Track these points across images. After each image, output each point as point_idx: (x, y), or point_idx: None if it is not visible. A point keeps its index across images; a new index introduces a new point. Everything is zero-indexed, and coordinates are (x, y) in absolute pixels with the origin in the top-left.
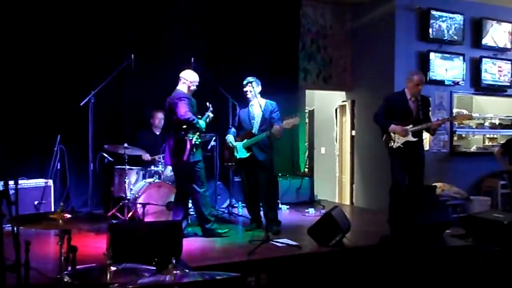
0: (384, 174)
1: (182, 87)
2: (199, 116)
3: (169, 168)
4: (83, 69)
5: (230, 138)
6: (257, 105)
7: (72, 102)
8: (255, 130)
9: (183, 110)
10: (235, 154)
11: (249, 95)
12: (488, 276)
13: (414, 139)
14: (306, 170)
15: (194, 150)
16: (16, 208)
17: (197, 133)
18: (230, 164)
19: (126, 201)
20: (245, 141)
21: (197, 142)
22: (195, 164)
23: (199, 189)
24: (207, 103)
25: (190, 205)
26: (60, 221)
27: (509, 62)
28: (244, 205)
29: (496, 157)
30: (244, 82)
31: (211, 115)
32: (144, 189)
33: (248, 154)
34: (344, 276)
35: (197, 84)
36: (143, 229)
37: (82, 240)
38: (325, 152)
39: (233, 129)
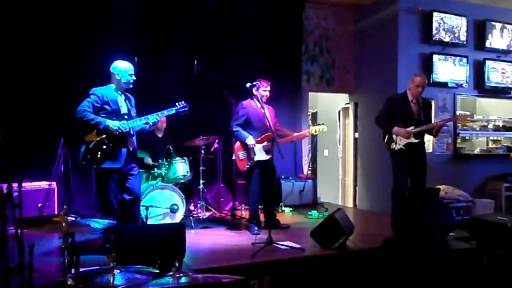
0: (387, 176)
1: (112, 81)
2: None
3: (173, 170)
4: (87, 71)
5: (252, 140)
6: (268, 108)
7: (75, 104)
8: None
9: (79, 107)
10: (253, 156)
11: (266, 97)
12: (492, 279)
13: (416, 141)
14: (309, 172)
15: (98, 155)
16: (19, 211)
17: (103, 136)
18: (248, 166)
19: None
20: (265, 143)
21: (103, 147)
22: (101, 173)
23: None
24: (180, 103)
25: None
26: (64, 224)
27: None
28: (247, 207)
29: None
30: (266, 84)
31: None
32: (147, 192)
33: (268, 157)
34: (348, 279)
35: (130, 73)
36: (146, 232)
37: (86, 243)
38: (328, 154)
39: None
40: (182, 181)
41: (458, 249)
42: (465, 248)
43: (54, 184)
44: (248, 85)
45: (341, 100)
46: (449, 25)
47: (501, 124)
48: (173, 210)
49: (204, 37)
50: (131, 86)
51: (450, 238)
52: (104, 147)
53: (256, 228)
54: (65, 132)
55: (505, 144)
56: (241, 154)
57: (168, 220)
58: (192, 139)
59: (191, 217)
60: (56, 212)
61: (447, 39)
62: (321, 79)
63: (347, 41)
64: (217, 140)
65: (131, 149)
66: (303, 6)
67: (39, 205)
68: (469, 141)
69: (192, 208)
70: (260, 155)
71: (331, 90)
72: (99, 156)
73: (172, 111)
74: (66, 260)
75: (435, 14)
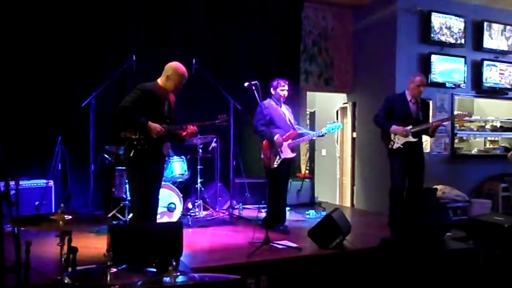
0: (385, 176)
1: (160, 79)
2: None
3: (170, 169)
4: (85, 70)
5: (279, 137)
6: (285, 107)
7: (74, 102)
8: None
9: (123, 101)
10: (280, 154)
11: (284, 97)
12: (489, 279)
13: (414, 140)
14: (307, 172)
15: (131, 154)
16: (16, 209)
17: (141, 136)
18: (274, 166)
19: (127, 202)
20: (289, 141)
21: (138, 147)
22: (129, 173)
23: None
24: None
25: None
26: (61, 222)
27: (511, 64)
28: (249, 207)
29: (510, 160)
30: (284, 83)
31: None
32: None
33: (294, 155)
34: (345, 279)
35: (183, 83)
36: (143, 231)
37: (83, 241)
38: (326, 154)
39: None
40: (180, 180)
41: (455, 249)
42: (462, 248)
43: (51, 182)
44: (246, 84)
45: (339, 99)
46: (448, 25)
47: (498, 124)
48: (170, 209)
49: (203, 36)
50: (176, 92)
51: (447, 238)
52: (139, 147)
53: (281, 226)
54: (62, 130)
55: (503, 145)
56: (269, 152)
57: (165, 219)
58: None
59: (188, 216)
60: (53, 210)
61: (445, 39)
62: (319, 78)
63: (346, 40)
64: (214, 139)
65: (164, 153)
66: (302, 5)
67: (36, 203)
68: (466, 141)
69: (189, 207)
70: (287, 152)
71: (330, 90)
72: (131, 154)
73: (214, 123)
74: (63, 259)
75: (433, 14)
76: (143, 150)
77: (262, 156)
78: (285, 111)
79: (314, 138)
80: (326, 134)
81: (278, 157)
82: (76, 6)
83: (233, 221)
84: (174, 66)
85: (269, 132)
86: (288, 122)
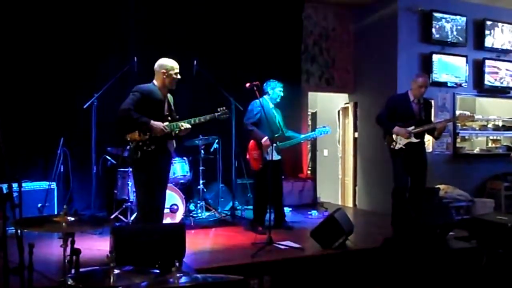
0: (387, 176)
1: (156, 79)
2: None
3: (172, 170)
4: (86, 71)
5: (267, 140)
6: (275, 109)
7: (76, 104)
8: (286, 133)
9: (123, 103)
10: (265, 156)
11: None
12: (492, 278)
13: (416, 140)
14: (309, 172)
15: (138, 155)
16: (19, 211)
17: (146, 136)
18: (261, 166)
19: (129, 203)
20: (277, 143)
21: (144, 148)
22: (136, 175)
23: (136, 210)
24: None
25: None
26: (64, 224)
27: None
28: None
29: None
30: (281, 84)
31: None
32: None
33: (280, 157)
34: (348, 279)
35: (176, 72)
36: (146, 232)
37: (86, 243)
38: (327, 154)
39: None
40: (182, 181)
41: (458, 248)
42: (465, 247)
43: (54, 184)
44: (247, 85)
45: (340, 100)
46: (449, 24)
47: (500, 123)
48: (173, 210)
49: (203, 37)
50: (174, 86)
51: (450, 238)
52: (145, 148)
53: (260, 228)
54: (65, 132)
55: (505, 144)
56: (255, 154)
57: (168, 220)
58: (192, 139)
59: (191, 217)
60: (56, 212)
61: (446, 38)
62: (320, 78)
63: (347, 40)
64: (216, 140)
65: (171, 151)
66: (303, 5)
67: (39, 205)
68: (468, 140)
69: (192, 208)
70: (273, 155)
71: (331, 90)
72: (139, 156)
73: (214, 116)
74: (66, 260)
75: (434, 13)
76: (150, 150)
77: (247, 156)
78: (276, 113)
79: (302, 141)
80: (315, 137)
81: (263, 159)
82: (78, 8)
83: (235, 222)
84: (164, 62)
85: (260, 133)
86: (278, 124)
